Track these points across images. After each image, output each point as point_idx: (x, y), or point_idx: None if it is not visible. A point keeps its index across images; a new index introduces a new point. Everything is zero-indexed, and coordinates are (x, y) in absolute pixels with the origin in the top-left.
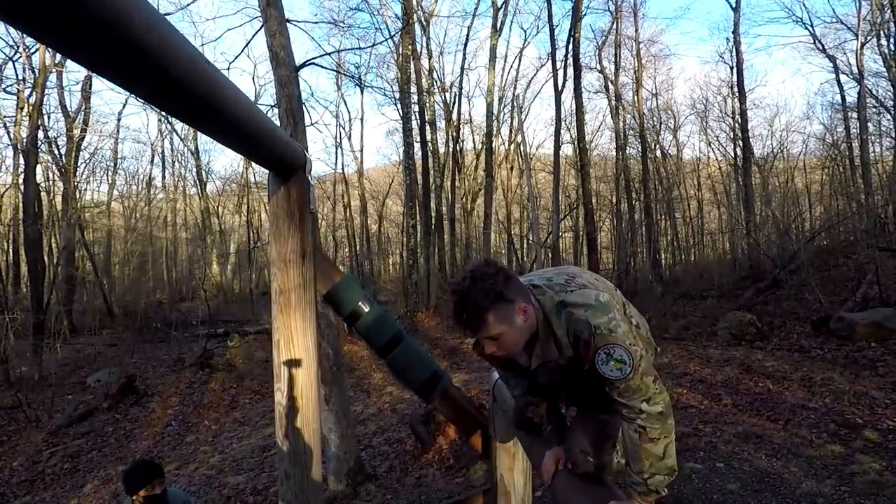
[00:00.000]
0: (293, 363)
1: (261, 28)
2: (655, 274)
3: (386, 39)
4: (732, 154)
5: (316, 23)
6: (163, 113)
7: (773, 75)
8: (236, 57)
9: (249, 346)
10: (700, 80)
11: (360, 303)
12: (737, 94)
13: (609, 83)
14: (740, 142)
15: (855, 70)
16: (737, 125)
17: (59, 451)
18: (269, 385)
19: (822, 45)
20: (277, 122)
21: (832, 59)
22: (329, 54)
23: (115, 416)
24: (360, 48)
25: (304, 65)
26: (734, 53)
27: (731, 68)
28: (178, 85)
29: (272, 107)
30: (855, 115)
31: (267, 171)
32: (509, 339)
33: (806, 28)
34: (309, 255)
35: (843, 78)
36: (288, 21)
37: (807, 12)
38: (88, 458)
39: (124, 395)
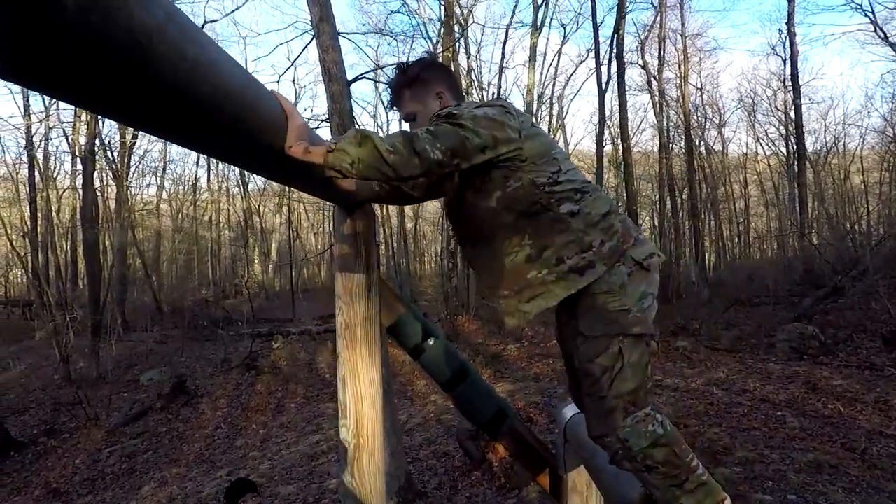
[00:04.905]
0: (359, 399)
1: (311, 41)
2: (702, 277)
3: (439, 53)
4: (782, 151)
5: (364, 34)
6: None
7: (829, 67)
8: (287, 70)
9: (293, 348)
10: (748, 72)
11: (425, 336)
12: (789, 89)
13: (652, 79)
14: (793, 138)
15: None
16: (789, 121)
17: (117, 450)
18: (313, 389)
19: (885, 33)
20: (329, 137)
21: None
22: (381, 68)
23: (168, 416)
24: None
25: (356, 79)
26: (787, 46)
27: (784, 61)
28: (258, 148)
29: (323, 121)
30: None
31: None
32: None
33: (866, 14)
34: (374, 288)
35: None
36: (339, 34)
37: None
38: (144, 458)
39: (176, 395)
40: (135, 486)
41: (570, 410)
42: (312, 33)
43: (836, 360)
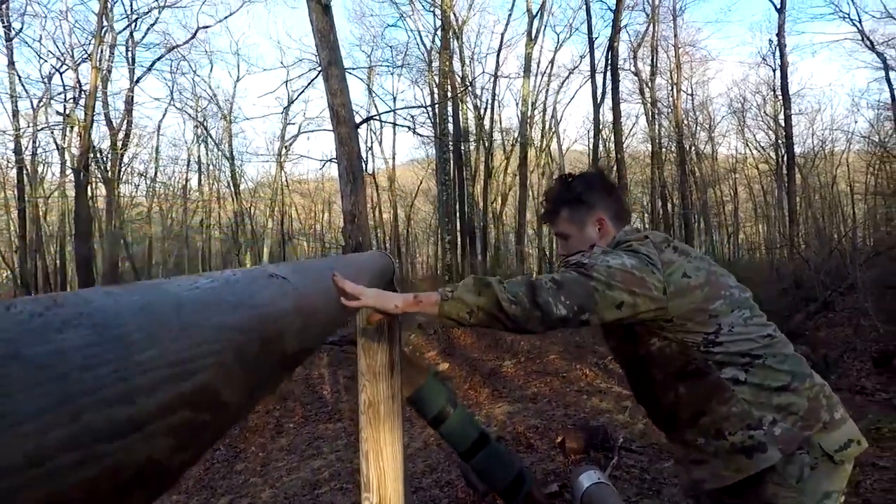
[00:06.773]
0: (382, 474)
1: (317, 77)
2: None
3: (454, 96)
4: (772, 156)
5: (369, 67)
6: (199, 119)
7: (817, 77)
8: (290, 103)
9: None
10: (738, 79)
11: (445, 406)
12: (780, 98)
13: (644, 86)
14: (782, 147)
15: None
16: (779, 127)
17: None
18: (311, 408)
19: (871, 42)
20: (337, 177)
21: (882, 56)
22: (393, 111)
23: None
24: (424, 105)
25: (364, 121)
26: (777, 56)
27: (774, 70)
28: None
29: (330, 160)
30: None
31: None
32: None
33: (853, 24)
34: (397, 365)
35: (893, 75)
36: (346, 70)
37: (854, 7)
38: None
39: None
40: None
41: (587, 479)
42: (318, 68)
43: (829, 382)
